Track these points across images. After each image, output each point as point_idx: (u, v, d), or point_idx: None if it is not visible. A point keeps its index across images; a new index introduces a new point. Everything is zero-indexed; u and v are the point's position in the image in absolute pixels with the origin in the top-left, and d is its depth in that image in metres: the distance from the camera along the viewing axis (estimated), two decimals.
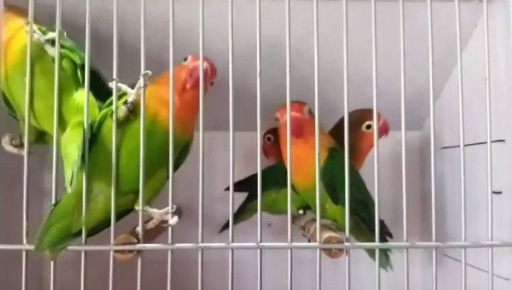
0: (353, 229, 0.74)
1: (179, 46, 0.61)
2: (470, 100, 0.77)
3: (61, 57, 0.61)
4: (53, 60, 0.60)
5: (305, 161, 0.67)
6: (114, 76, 0.59)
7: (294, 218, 0.83)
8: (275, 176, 0.75)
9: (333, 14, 0.63)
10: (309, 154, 0.62)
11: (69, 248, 0.59)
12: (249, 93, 0.65)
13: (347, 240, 0.60)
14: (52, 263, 0.58)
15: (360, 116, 0.81)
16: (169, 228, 0.59)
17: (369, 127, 0.81)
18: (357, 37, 0.62)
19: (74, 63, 0.62)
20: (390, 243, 0.62)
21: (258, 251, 0.59)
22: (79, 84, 0.62)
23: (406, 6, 0.63)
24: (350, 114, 0.81)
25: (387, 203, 0.76)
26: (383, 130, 0.81)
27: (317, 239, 0.60)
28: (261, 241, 0.59)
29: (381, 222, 0.77)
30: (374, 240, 0.62)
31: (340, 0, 0.61)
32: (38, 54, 0.61)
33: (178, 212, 0.94)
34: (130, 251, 0.59)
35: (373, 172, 0.92)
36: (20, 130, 0.65)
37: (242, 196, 0.91)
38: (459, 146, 0.76)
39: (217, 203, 0.91)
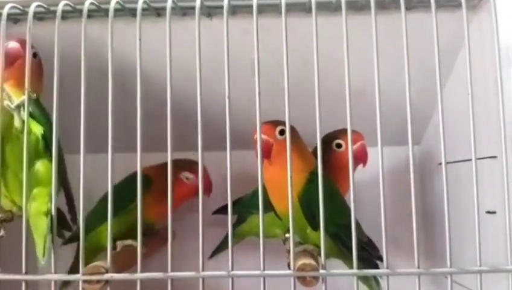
0: (339, 255, 0.71)
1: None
2: (467, 114, 0.73)
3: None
4: (20, 129, 0.61)
5: (281, 185, 0.65)
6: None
7: (284, 241, 0.81)
8: (257, 201, 0.73)
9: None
10: (285, 178, 0.60)
11: (35, 277, 0.58)
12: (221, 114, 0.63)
13: (323, 267, 0.57)
14: None
15: (332, 135, 0.78)
16: (169, 254, 0.58)
17: (339, 146, 0.78)
18: (340, 53, 0.60)
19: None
20: (368, 270, 0.59)
21: (230, 280, 0.57)
22: (41, 156, 0.63)
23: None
24: (326, 134, 0.79)
25: (380, 225, 0.72)
26: (359, 156, 0.77)
27: (292, 266, 0.57)
28: (232, 270, 0.57)
29: (370, 245, 0.74)
30: (362, 266, 0.59)
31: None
32: (8, 122, 0.61)
33: (172, 235, 0.93)
34: (98, 281, 0.57)
35: (369, 191, 0.90)
36: None
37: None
38: (457, 162, 0.73)
39: (207, 227, 0.89)
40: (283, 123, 0.69)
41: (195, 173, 0.77)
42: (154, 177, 0.76)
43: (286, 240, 0.79)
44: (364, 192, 0.98)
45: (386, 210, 0.97)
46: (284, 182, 0.64)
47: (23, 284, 0.58)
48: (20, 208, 0.64)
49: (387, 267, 0.58)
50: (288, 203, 0.66)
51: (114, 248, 0.77)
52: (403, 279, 0.58)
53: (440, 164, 0.90)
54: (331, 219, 0.65)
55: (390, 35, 0.65)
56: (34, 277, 0.58)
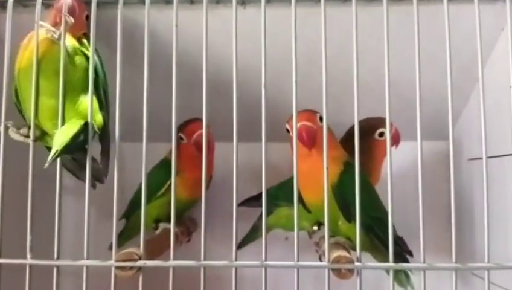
0: (371, 248, 0.70)
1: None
2: (499, 108, 0.72)
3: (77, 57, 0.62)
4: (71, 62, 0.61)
5: (318, 175, 0.64)
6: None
7: (310, 234, 0.80)
8: (286, 191, 0.72)
9: (347, 20, 0.60)
10: (323, 167, 0.58)
11: (67, 263, 0.58)
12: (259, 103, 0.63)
13: (358, 260, 0.56)
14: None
15: (372, 124, 0.77)
16: (202, 243, 0.58)
17: (382, 134, 0.77)
18: (375, 43, 0.59)
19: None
20: (404, 264, 0.58)
21: (263, 269, 0.56)
22: (86, 89, 0.61)
23: (426, 10, 0.60)
24: (360, 122, 0.78)
25: (410, 220, 0.70)
26: (395, 140, 0.77)
27: (326, 258, 0.56)
28: (265, 260, 0.56)
29: (400, 240, 0.73)
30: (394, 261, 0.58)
31: (350, 6, 0.58)
32: (54, 54, 0.61)
33: (193, 226, 0.93)
34: (131, 268, 0.57)
35: (396, 186, 0.88)
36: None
37: (256, 212, 0.88)
38: (488, 157, 0.71)
39: (230, 219, 0.89)
40: (317, 112, 0.68)
41: (187, 132, 0.78)
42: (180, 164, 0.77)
43: (313, 232, 0.79)
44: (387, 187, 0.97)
45: (412, 205, 0.96)
46: (320, 171, 0.63)
47: (55, 270, 0.58)
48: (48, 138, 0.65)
49: (424, 262, 0.56)
50: (321, 193, 0.66)
51: (156, 228, 0.80)
52: (430, 276, 0.57)
53: (471, 159, 0.89)
54: (365, 211, 0.64)
55: (426, 26, 0.63)
56: (65, 263, 0.58)
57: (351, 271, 0.56)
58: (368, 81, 0.81)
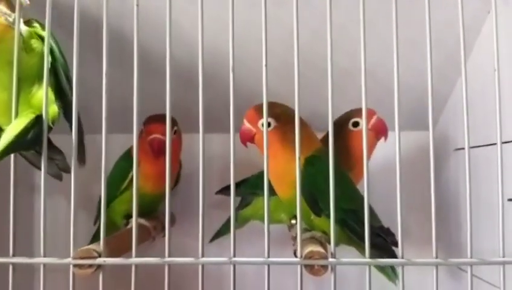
0: (350, 242, 0.67)
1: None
2: (485, 95, 0.68)
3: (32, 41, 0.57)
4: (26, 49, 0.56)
5: (280, 171, 0.61)
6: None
7: (289, 227, 0.77)
8: (263, 182, 0.69)
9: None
10: (278, 165, 0.54)
11: (22, 260, 0.54)
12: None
13: (332, 256, 0.53)
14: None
15: (347, 114, 0.73)
16: (166, 239, 0.54)
17: (356, 124, 0.73)
18: (355, 27, 0.55)
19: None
20: (381, 260, 0.54)
21: (231, 267, 0.53)
22: (40, 79, 0.56)
23: None
24: (340, 116, 0.75)
25: (394, 212, 0.67)
26: (379, 129, 0.73)
27: (298, 254, 0.53)
28: (234, 256, 0.53)
29: (386, 230, 0.70)
30: (377, 254, 0.55)
31: None
32: (7, 41, 0.55)
33: (172, 218, 0.89)
34: (90, 266, 0.53)
35: (382, 178, 0.85)
36: None
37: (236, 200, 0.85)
38: (474, 147, 0.68)
39: (208, 209, 0.86)
40: (275, 107, 0.64)
41: (146, 130, 0.76)
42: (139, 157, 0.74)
43: (292, 226, 0.75)
44: (377, 178, 0.94)
45: (395, 197, 0.93)
46: (278, 169, 0.61)
47: (10, 268, 0.54)
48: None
49: (402, 257, 0.53)
50: (285, 188, 0.63)
51: (127, 224, 0.77)
52: (416, 269, 0.54)
53: (457, 149, 0.86)
54: (335, 204, 0.61)
55: (408, 10, 0.59)
56: (21, 260, 0.54)
57: (324, 267, 0.52)
58: (348, 70, 0.78)
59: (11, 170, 0.55)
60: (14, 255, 0.54)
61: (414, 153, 0.93)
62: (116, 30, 0.69)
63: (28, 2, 0.57)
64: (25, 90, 0.57)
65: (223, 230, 0.83)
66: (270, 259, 0.52)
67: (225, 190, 0.82)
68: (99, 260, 0.53)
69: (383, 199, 0.90)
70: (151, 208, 0.80)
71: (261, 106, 0.63)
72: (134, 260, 0.53)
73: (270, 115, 0.63)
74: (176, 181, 0.84)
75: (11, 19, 0.56)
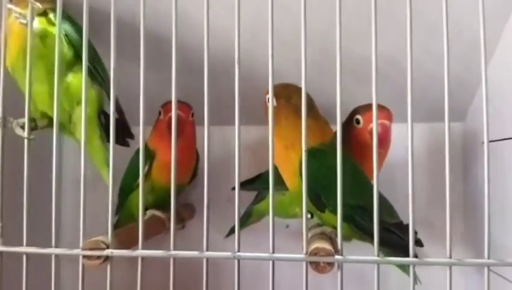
0: (362, 238, 0.65)
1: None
2: None
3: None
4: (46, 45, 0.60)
5: (281, 163, 0.60)
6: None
7: None
8: (277, 175, 0.67)
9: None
10: (284, 155, 0.53)
11: (36, 250, 0.55)
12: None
13: (339, 253, 0.51)
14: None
15: (354, 110, 0.71)
16: (171, 232, 0.54)
17: (358, 122, 0.70)
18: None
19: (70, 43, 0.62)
20: (392, 259, 0.51)
21: (236, 261, 0.52)
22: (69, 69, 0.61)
23: None
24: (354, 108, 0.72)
25: (419, 209, 0.63)
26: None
27: (304, 250, 0.51)
28: (238, 251, 0.52)
29: (403, 227, 0.67)
30: (391, 252, 0.53)
31: None
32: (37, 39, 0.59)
33: (189, 212, 0.90)
34: (98, 257, 0.54)
35: (403, 171, 0.81)
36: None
37: (251, 195, 0.84)
38: (503, 139, 0.64)
39: (224, 204, 0.85)
40: (293, 88, 0.62)
41: (165, 108, 0.76)
42: (155, 145, 0.76)
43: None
44: (398, 172, 0.90)
45: (421, 192, 0.89)
46: (281, 156, 0.59)
47: (24, 257, 0.56)
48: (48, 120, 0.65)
49: (414, 256, 0.50)
50: (290, 178, 0.61)
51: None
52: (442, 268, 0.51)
53: (484, 142, 0.81)
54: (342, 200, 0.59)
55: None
56: (34, 250, 0.56)
57: (330, 265, 0.51)
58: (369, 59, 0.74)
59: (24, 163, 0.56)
60: (27, 245, 0.56)
61: (440, 146, 0.89)
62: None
63: (40, 6, 0.58)
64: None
65: (242, 223, 0.82)
66: (275, 255, 0.51)
67: (242, 186, 0.81)
68: (107, 251, 0.54)
69: (405, 193, 0.88)
70: (167, 200, 0.80)
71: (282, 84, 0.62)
72: (140, 252, 0.54)
73: (283, 94, 0.61)
74: (194, 173, 0.84)
75: (24, 21, 0.58)
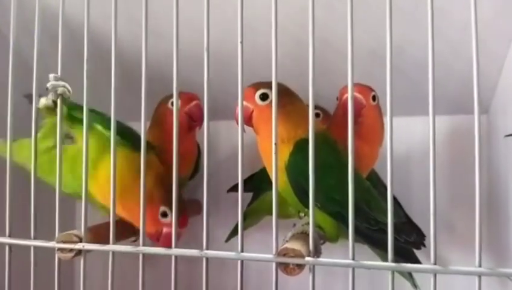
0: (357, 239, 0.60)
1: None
2: None
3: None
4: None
5: (266, 157, 0.56)
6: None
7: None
8: (267, 176, 0.64)
9: None
10: (267, 148, 0.50)
11: (16, 241, 0.56)
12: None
13: (311, 254, 0.47)
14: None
15: (340, 92, 0.66)
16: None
17: (337, 98, 0.67)
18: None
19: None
20: (368, 263, 0.46)
21: (204, 260, 0.50)
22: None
23: None
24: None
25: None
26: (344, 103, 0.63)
27: (273, 250, 0.48)
28: (207, 249, 0.50)
29: (406, 227, 0.62)
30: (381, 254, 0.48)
31: None
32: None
33: (194, 208, 0.88)
34: (71, 250, 0.54)
35: (419, 166, 0.75)
36: None
37: (249, 196, 0.81)
38: None
39: (222, 205, 0.84)
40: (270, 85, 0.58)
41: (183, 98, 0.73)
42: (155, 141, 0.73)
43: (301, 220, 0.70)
44: (414, 167, 0.84)
45: (440, 192, 0.82)
46: (267, 153, 0.56)
47: (7, 248, 0.57)
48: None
49: (434, 263, 0.44)
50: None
51: None
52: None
53: (507, 135, 0.73)
54: (329, 195, 0.55)
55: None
56: (15, 241, 0.56)
57: (300, 267, 0.47)
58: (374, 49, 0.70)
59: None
60: (10, 236, 0.57)
61: (461, 139, 0.82)
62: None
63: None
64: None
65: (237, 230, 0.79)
66: (244, 254, 0.49)
67: (237, 187, 0.78)
68: (79, 245, 0.53)
69: (421, 190, 0.81)
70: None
71: (255, 83, 0.59)
72: (111, 247, 0.53)
73: (266, 87, 0.58)
74: (195, 168, 0.82)
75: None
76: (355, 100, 0.60)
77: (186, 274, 0.68)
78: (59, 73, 0.56)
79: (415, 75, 0.72)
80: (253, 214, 0.77)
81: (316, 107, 0.70)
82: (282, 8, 0.48)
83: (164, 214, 0.63)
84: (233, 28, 0.49)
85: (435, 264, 0.44)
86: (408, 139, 0.83)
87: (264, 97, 0.58)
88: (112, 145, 0.53)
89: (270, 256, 0.48)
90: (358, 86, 0.63)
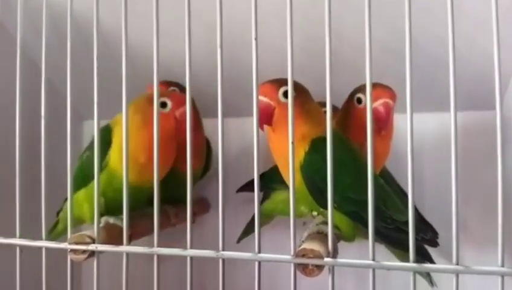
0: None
1: None
2: None
3: None
4: None
5: (282, 157, 0.55)
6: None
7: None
8: (279, 173, 0.63)
9: None
10: (285, 147, 0.49)
11: (26, 243, 0.55)
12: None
13: (330, 255, 0.46)
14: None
15: (355, 90, 0.64)
16: (155, 230, 0.51)
17: (359, 101, 0.64)
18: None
19: None
20: (388, 263, 0.46)
21: (220, 261, 0.49)
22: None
23: None
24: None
25: (447, 203, 0.55)
26: (376, 114, 0.59)
27: (291, 251, 0.47)
28: (223, 250, 0.49)
29: (420, 225, 0.61)
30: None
31: None
32: None
33: (202, 207, 0.88)
34: (84, 252, 0.53)
35: (431, 164, 0.74)
36: None
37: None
38: None
39: (230, 204, 0.83)
40: (281, 83, 0.57)
41: (174, 99, 0.66)
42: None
43: (315, 219, 0.69)
44: (425, 164, 0.83)
45: (461, 185, 0.81)
46: (283, 152, 0.55)
47: (17, 249, 0.56)
48: None
49: (457, 263, 0.44)
50: (287, 176, 0.56)
51: None
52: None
53: None
54: (345, 195, 0.54)
55: None
56: (25, 242, 0.56)
57: (319, 268, 0.46)
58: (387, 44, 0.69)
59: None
60: (20, 237, 0.56)
61: (472, 136, 0.81)
62: None
63: None
64: None
65: (248, 229, 0.78)
66: (261, 255, 0.48)
67: (246, 186, 0.78)
68: (92, 246, 0.53)
69: (433, 188, 0.80)
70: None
71: (275, 79, 0.58)
72: (125, 248, 0.52)
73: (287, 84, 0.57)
74: (206, 166, 0.81)
75: None
76: (387, 108, 0.60)
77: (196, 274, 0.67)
78: (68, 71, 0.54)
79: (428, 70, 0.71)
80: (265, 214, 0.76)
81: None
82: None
83: None
84: (245, 24, 0.48)
85: (457, 264, 0.44)
86: (419, 136, 0.82)
87: (287, 95, 0.57)
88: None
89: (288, 257, 0.47)
90: (387, 91, 0.61)
